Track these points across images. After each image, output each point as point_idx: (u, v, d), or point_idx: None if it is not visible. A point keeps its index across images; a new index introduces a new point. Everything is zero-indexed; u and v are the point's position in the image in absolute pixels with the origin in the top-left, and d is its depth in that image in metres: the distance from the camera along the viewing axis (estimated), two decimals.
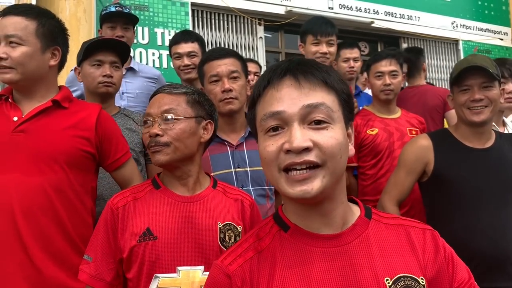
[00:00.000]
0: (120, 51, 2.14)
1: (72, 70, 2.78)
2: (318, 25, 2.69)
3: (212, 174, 1.72)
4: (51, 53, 1.66)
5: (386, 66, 2.55)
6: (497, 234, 1.82)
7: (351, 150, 0.90)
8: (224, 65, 1.86)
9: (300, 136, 0.81)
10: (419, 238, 0.93)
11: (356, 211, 0.95)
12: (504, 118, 2.60)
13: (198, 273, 1.31)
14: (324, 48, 2.66)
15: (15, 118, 1.57)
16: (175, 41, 2.76)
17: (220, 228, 1.38)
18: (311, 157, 0.81)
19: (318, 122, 0.83)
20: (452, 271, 0.92)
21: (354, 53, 3.34)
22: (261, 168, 1.82)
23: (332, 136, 0.83)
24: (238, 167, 1.85)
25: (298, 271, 0.85)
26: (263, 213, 1.82)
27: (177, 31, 5.15)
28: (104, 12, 2.81)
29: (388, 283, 0.85)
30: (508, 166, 1.90)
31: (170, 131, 1.37)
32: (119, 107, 2.23)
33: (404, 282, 0.86)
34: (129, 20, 2.79)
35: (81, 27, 4.41)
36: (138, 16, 2.98)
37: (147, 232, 1.32)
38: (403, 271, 0.87)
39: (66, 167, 1.60)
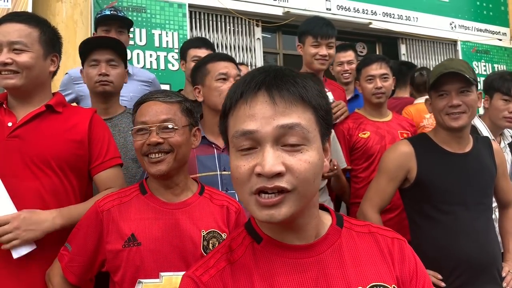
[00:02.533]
0: (117, 49, 2.12)
1: (66, 73, 2.81)
2: (318, 27, 2.67)
3: (197, 175, 1.75)
4: (51, 60, 1.70)
5: (376, 69, 2.57)
6: (481, 238, 1.83)
7: (326, 166, 0.87)
8: (232, 68, 1.94)
9: (272, 160, 0.77)
10: (388, 247, 0.93)
11: (327, 219, 0.94)
12: (505, 131, 2.60)
13: (180, 279, 1.33)
14: (323, 51, 2.64)
15: (10, 124, 1.58)
16: (196, 45, 2.78)
17: (203, 236, 1.40)
18: (282, 183, 0.78)
19: (293, 145, 0.80)
20: (415, 282, 0.92)
21: (347, 56, 3.36)
22: None
23: (307, 159, 0.80)
24: (224, 170, 1.86)
25: (272, 283, 0.84)
26: (248, 217, 1.85)
27: (174, 33, 5.23)
28: (98, 15, 2.83)
29: None
30: (486, 169, 1.92)
31: (171, 139, 1.40)
32: (125, 106, 2.23)
33: None
34: (123, 24, 2.81)
35: (78, 30, 4.43)
36: (135, 17, 3.00)
37: (131, 237, 1.35)
38: (376, 280, 0.87)
39: (60, 172, 1.62)
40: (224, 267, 0.88)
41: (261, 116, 0.80)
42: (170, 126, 1.40)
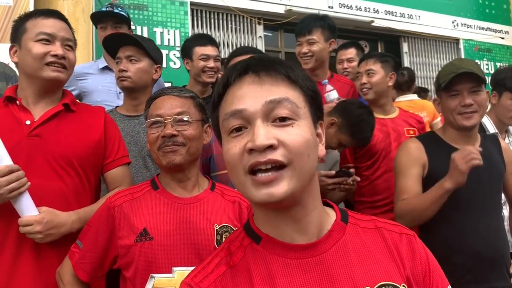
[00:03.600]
0: (137, 44, 2.11)
1: None
2: (298, 25, 2.66)
3: (216, 173, 1.74)
4: None
5: (363, 66, 2.60)
6: (491, 235, 1.83)
7: (321, 150, 0.85)
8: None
9: (264, 133, 0.76)
10: (396, 243, 0.88)
11: (332, 215, 0.90)
12: (510, 127, 2.60)
13: None
14: (304, 48, 2.62)
15: (28, 122, 1.56)
16: (202, 42, 2.75)
17: (216, 230, 1.39)
18: (276, 156, 0.75)
19: (283, 119, 0.78)
20: (429, 278, 0.88)
21: (348, 54, 3.34)
22: None
23: (298, 133, 0.78)
24: None
25: (276, 285, 0.80)
26: None
27: (176, 31, 5.22)
28: (93, 13, 2.84)
29: None
30: (495, 166, 1.92)
31: (185, 132, 1.41)
32: None
33: None
34: (119, 20, 2.78)
35: (80, 27, 4.40)
36: (137, 15, 2.99)
37: (143, 232, 1.35)
38: (384, 279, 0.82)
39: (81, 172, 1.64)
40: (224, 272, 0.84)
41: (249, 95, 0.80)
42: (185, 118, 1.42)
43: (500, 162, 1.96)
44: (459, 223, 1.84)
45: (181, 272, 1.32)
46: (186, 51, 2.78)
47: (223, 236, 1.39)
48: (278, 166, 0.76)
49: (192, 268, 1.28)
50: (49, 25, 1.61)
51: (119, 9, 2.81)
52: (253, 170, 0.77)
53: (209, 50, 2.71)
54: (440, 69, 1.99)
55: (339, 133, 2.23)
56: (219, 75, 2.68)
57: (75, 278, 1.41)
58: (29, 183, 1.45)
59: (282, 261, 0.82)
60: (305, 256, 0.82)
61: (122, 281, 1.41)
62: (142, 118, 2.06)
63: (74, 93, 2.71)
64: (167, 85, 3.98)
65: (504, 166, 1.97)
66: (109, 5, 2.83)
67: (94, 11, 4.60)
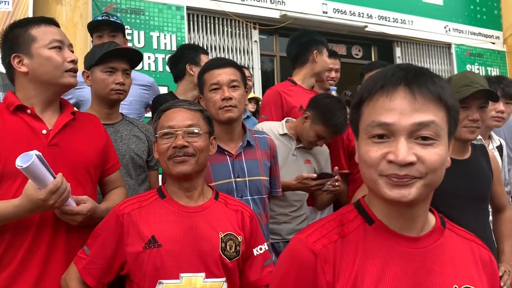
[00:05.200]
0: (132, 61, 2.17)
1: None
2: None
3: (213, 184, 1.78)
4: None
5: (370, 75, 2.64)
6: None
7: (448, 162, 0.91)
8: (225, 74, 1.89)
9: (406, 150, 0.82)
10: (483, 258, 0.98)
11: (432, 219, 0.99)
12: (493, 133, 2.68)
13: (199, 280, 1.39)
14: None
15: (44, 131, 1.57)
16: (207, 52, 2.86)
17: (221, 238, 1.45)
18: (413, 172, 0.83)
19: (425, 138, 0.84)
20: None
21: (337, 64, 3.43)
22: (259, 177, 1.93)
23: (437, 152, 0.84)
24: (238, 177, 1.89)
25: (378, 264, 0.89)
26: (259, 222, 1.86)
27: (172, 35, 5.28)
28: (90, 22, 2.87)
29: None
30: (484, 175, 1.98)
31: (195, 144, 1.47)
32: (121, 114, 2.27)
33: None
34: (116, 28, 2.82)
35: (78, 32, 4.45)
36: (133, 20, 3.04)
37: (152, 239, 1.40)
38: (470, 283, 0.92)
39: (95, 178, 1.70)
40: (336, 240, 0.92)
41: (399, 110, 0.85)
42: (196, 130, 1.48)
43: (488, 171, 2.02)
44: None
45: (188, 278, 1.38)
46: (190, 57, 2.83)
47: (227, 243, 1.45)
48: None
49: (198, 274, 1.38)
50: (56, 32, 1.63)
51: (114, 17, 2.86)
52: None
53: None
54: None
55: (314, 125, 2.31)
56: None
57: (81, 284, 1.44)
58: (69, 184, 1.48)
59: (389, 245, 0.91)
60: (409, 246, 0.92)
61: (129, 285, 1.46)
62: (116, 126, 2.12)
63: (71, 101, 2.74)
64: (162, 89, 4.02)
65: (492, 174, 2.04)
66: (104, 14, 2.88)
67: (92, 16, 4.65)
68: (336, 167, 2.30)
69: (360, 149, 0.91)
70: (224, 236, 1.46)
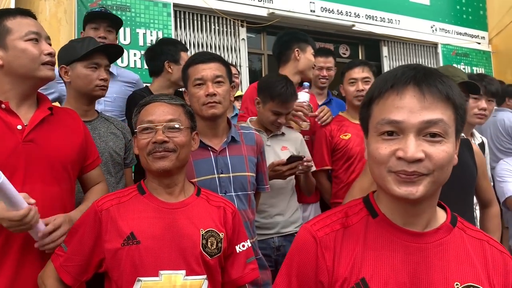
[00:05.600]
0: (113, 57, 2.16)
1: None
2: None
3: (195, 180, 1.75)
4: None
5: (359, 73, 2.65)
6: None
7: (455, 159, 0.94)
8: (209, 69, 1.85)
9: (415, 147, 0.85)
10: (494, 258, 0.97)
11: (441, 216, 1.00)
12: (474, 130, 2.70)
13: (179, 277, 1.36)
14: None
15: (19, 127, 1.53)
16: (187, 49, 2.80)
17: (202, 234, 1.42)
18: (421, 168, 0.86)
19: (433, 135, 0.87)
20: None
21: (328, 62, 3.39)
22: (244, 173, 1.91)
23: (444, 149, 0.87)
24: (222, 173, 1.86)
25: (377, 254, 0.93)
26: (244, 218, 1.86)
27: (159, 32, 5.23)
28: (87, 13, 2.82)
29: (458, 287, 0.90)
30: (468, 170, 1.99)
31: (176, 139, 1.44)
32: (97, 111, 2.25)
33: None
34: (112, 23, 2.80)
35: (62, 28, 4.38)
36: (119, 16, 2.99)
37: (131, 236, 1.37)
38: (474, 281, 0.92)
39: (72, 175, 1.66)
40: (338, 229, 0.98)
41: (408, 108, 0.87)
42: (176, 125, 1.45)
43: (472, 166, 2.03)
44: None
45: (168, 276, 1.35)
46: (170, 54, 2.76)
47: (209, 240, 1.43)
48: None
49: (178, 271, 1.36)
50: (32, 24, 1.58)
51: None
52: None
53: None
54: None
55: (265, 105, 2.33)
56: None
57: (58, 282, 1.41)
58: (37, 215, 1.44)
59: (390, 238, 0.94)
60: (410, 240, 0.94)
61: (107, 283, 1.43)
62: (94, 123, 2.09)
63: (53, 95, 2.69)
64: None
65: (476, 169, 2.05)
66: (102, 7, 2.84)
67: (76, 12, 4.60)
68: (305, 157, 2.30)
69: (370, 146, 0.93)
70: (205, 232, 1.43)
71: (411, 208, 0.93)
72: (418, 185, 0.87)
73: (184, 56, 2.74)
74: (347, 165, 2.59)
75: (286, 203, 2.38)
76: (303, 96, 2.59)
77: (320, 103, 3.13)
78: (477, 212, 2.32)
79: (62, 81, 2.64)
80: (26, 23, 1.57)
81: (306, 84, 2.66)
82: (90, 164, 1.78)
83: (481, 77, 2.61)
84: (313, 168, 2.46)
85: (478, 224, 2.36)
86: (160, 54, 2.79)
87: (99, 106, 2.64)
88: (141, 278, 1.34)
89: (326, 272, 0.94)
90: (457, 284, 0.91)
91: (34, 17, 1.65)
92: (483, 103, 2.54)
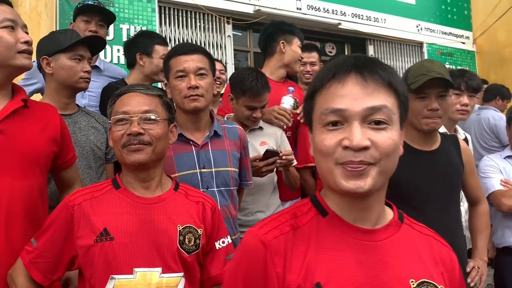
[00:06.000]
0: (95, 51, 2.14)
1: (33, 61, 2.71)
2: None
3: (176, 174, 1.71)
4: None
5: None
6: (448, 234, 1.86)
7: (401, 150, 0.92)
8: (192, 61, 1.80)
9: (360, 135, 0.83)
10: (441, 254, 0.97)
11: (389, 213, 0.99)
12: (456, 126, 2.70)
13: (155, 275, 1.31)
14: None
15: None
16: (163, 42, 2.73)
17: (179, 230, 1.37)
18: (367, 157, 0.83)
19: (378, 122, 0.85)
20: None
21: (311, 57, 3.38)
22: (227, 168, 1.86)
23: (390, 137, 0.85)
24: (203, 168, 1.81)
25: (330, 255, 0.88)
26: (227, 214, 1.82)
27: (143, 28, 5.15)
28: (80, 4, 2.76)
29: (413, 284, 0.88)
30: (453, 166, 1.97)
31: (151, 131, 1.38)
32: (77, 105, 2.19)
33: (428, 287, 0.89)
34: (104, 17, 2.75)
35: (42, 22, 4.27)
36: None
37: (104, 232, 1.32)
38: (426, 277, 0.91)
39: (44, 170, 1.60)
40: (288, 231, 0.91)
41: (352, 96, 0.85)
42: (152, 117, 1.39)
43: (458, 162, 2.00)
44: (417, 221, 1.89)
45: (143, 273, 1.30)
46: (142, 47, 2.70)
47: (186, 236, 1.38)
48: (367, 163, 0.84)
49: (154, 269, 1.30)
50: (8, 11, 1.54)
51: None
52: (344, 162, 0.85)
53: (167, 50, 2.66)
54: (404, 72, 2.01)
55: (238, 100, 2.29)
56: None
57: (29, 279, 1.35)
58: None
59: (342, 238, 0.90)
60: (363, 238, 0.90)
61: (80, 281, 1.37)
62: (74, 117, 2.05)
63: (36, 86, 2.64)
64: None
65: (463, 166, 2.02)
66: (96, 1, 2.79)
67: (58, 6, 4.50)
68: (281, 150, 2.26)
69: (315, 139, 0.90)
70: (182, 228, 1.38)
71: (361, 202, 0.90)
72: (366, 178, 0.84)
73: (160, 50, 2.69)
74: None
75: (267, 199, 2.34)
76: (287, 101, 2.54)
77: None
78: (462, 209, 2.31)
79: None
80: (1, 10, 1.53)
81: (290, 89, 2.62)
82: (66, 162, 1.73)
83: (462, 73, 2.61)
84: (295, 162, 2.42)
85: (464, 221, 2.36)
86: (133, 46, 2.75)
87: (84, 100, 2.58)
88: (115, 276, 1.29)
89: (276, 280, 0.87)
90: (412, 281, 0.89)
91: (10, 4, 1.60)
92: (465, 99, 2.53)
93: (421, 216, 1.85)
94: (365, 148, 0.83)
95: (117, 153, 1.41)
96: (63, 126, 1.73)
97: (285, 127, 2.50)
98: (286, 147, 2.42)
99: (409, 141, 1.96)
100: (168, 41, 5.31)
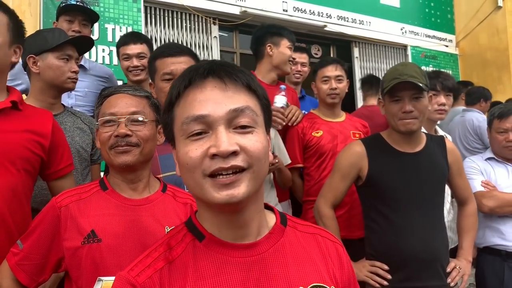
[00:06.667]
0: (82, 51, 2.15)
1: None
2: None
3: (161, 175, 1.70)
4: (14, 50, 1.63)
5: (332, 71, 2.64)
6: (428, 235, 1.91)
7: (270, 155, 0.88)
8: (179, 64, 1.79)
9: (227, 140, 0.78)
10: (329, 250, 0.95)
11: (271, 218, 0.94)
12: (436, 127, 2.74)
13: None
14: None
15: None
16: (124, 42, 2.71)
17: (167, 232, 1.37)
18: (238, 161, 0.78)
19: (244, 126, 0.81)
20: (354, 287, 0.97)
21: (302, 58, 3.41)
22: None
23: (257, 140, 0.81)
24: None
25: (212, 282, 0.82)
26: None
27: (128, 28, 5.11)
28: (63, 4, 2.74)
29: None
30: (437, 168, 2.00)
31: (139, 133, 1.38)
32: (63, 105, 2.16)
33: None
34: (88, 17, 2.74)
35: (26, 21, 4.13)
36: None
37: (91, 234, 1.31)
38: (317, 280, 0.88)
39: (22, 171, 1.58)
40: (162, 267, 0.84)
41: (212, 100, 0.81)
42: (140, 118, 1.39)
43: (443, 164, 2.04)
44: (397, 223, 1.91)
45: None
46: (117, 52, 2.77)
47: None
48: (238, 170, 0.79)
49: None
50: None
51: (88, 6, 2.78)
52: (212, 174, 0.79)
53: (130, 49, 2.67)
54: None
55: None
56: None
57: (15, 282, 1.34)
58: None
59: (223, 259, 0.84)
60: (245, 255, 0.85)
61: (67, 283, 1.36)
62: (59, 118, 2.03)
63: (21, 87, 2.60)
64: (120, 83, 3.91)
65: (448, 167, 2.05)
66: (79, 0, 2.76)
67: (41, 5, 4.44)
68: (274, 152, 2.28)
69: (179, 153, 0.83)
70: (170, 230, 1.38)
71: (238, 217, 0.84)
72: (239, 186, 0.78)
73: (120, 51, 2.72)
74: (319, 163, 2.59)
75: (264, 197, 2.35)
76: (280, 100, 2.56)
77: None
78: (447, 206, 2.34)
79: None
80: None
81: (282, 87, 2.64)
82: (57, 172, 1.71)
83: (437, 74, 2.67)
84: (286, 162, 2.42)
85: (449, 220, 2.41)
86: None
87: (70, 100, 2.57)
88: (102, 278, 1.28)
89: None
90: None
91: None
92: (441, 99, 2.59)
93: (401, 216, 1.91)
94: (234, 154, 0.78)
95: (105, 155, 1.40)
96: (56, 135, 1.71)
97: (279, 127, 2.51)
98: (279, 146, 2.43)
99: (392, 143, 2.00)
100: (153, 41, 5.35)
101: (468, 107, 4.61)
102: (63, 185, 1.73)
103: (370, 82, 4.01)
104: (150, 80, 1.93)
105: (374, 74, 7.22)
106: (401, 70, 1.90)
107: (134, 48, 2.67)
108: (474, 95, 4.73)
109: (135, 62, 2.64)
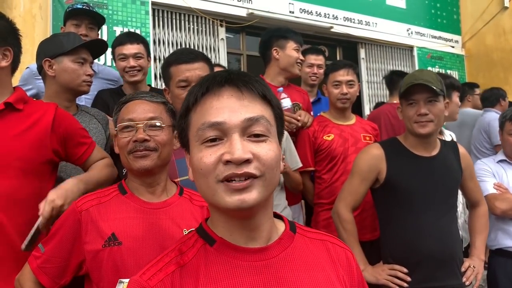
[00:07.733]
0: (96, 54, 2.17)
1: (27, 68, 2.70)
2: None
3: (178, 179, 1.72)
4: (2, 54, 1.61)
5: (343, 75, 2.64)
6: (444, 236, 1.95)
7: (282, 165, 0.90)
8: (194, 70, 1.80)
9: (241, 147, 0.80)
10: (338, 256, 0.96)
11: (280, 226, 0.96)
12: (443, 129, 2.75)
13: None
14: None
15: None
16: (120, 41, 2.69)
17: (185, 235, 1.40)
18: (251, 169, 0.80)
19: (257, 135, 0.83)
20: None
21: (319, 60, 3.40)
22: None
23: (271, 149, 0.83)
24: None
25: (223, 286, 0.83)
26: None
27: (137, 30, 5.13)
28: (69, 8, 2.76)
29: None
30: (451, 172, 2.04)
31: (157, 138, 1.41)
32: (77, 105, 2.19)
33: None
34: (94, 20, 2.75)
35: (37, 24, 4.25)
36: None
37: (112, 237, 1.34)
38: (326, 286, 0.89)
39: (21, 174, 1.57)
40: (174, 271, 0.85)
41: (228, 108, 0.83)
42: (158, 124, 1.42)
43: (457, 168, 2.08)
44: (414, 225, 1.95)
45: None
46: (112, 53, 2.74)
47: None
48: (251, 177, 0.81)
49: None
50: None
51: (94, 9, 2.80)
52: (226, 179, 0.81)
53: (126, 49, 2.64)
54: None
55: None
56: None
57: (37, 284, 1.37)
58: None
59: (234, 263, 0.86)
60: (256, 259, 0.87)
61: (87, 285, 1.39)
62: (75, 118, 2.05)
63: (31, 92, 2.62)
64: None
65: (461, 171, 2.09)
66: (85, 3, 2.79)
67: (51, 8, 4.48)
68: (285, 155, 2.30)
69: (193, 158, 0.85)
70: (188, 232, 1.41)
71: (249, 222, 0.86)
72: (251, 191, 0.80)
73: (116, 51, 2.69)
74: (330, 166, 2.61)
75: (273, 200, 2.36)
76: (285, 102, 2.58)
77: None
78: (460, 208, 2.36)
79: (40, 77, 2.59)
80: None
81: (280, 89, 2.65)
82: (81, 157, 1.76)
83: (442, 78, 2.67)
84: (297, 166, 2.44)
85: (461, 222, 2.42)
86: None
87: (79, 103, 2.58)
88: (123, 280, 1.30)
89: None
90: None
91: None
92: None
93: (418, 219, 1.93)
94: (247, 161, 0.80)
95: (124, 160, 1.43)
96: (63, 123, 1.70)
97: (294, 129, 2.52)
98: (290, 150, 2.44)
99: (409, 147, 2.03)
100: (161, 43, 5.38)
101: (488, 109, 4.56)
102: (92, 162, 1.80)
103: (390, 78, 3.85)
104: (165, 86, 1.94)
105: (380, 75, 7.25)
106: (418, 75, 1.95)
107: (131, 48, 2.63)
108: (491, 97, 4.64)
109: (132, 62, 2.61)
